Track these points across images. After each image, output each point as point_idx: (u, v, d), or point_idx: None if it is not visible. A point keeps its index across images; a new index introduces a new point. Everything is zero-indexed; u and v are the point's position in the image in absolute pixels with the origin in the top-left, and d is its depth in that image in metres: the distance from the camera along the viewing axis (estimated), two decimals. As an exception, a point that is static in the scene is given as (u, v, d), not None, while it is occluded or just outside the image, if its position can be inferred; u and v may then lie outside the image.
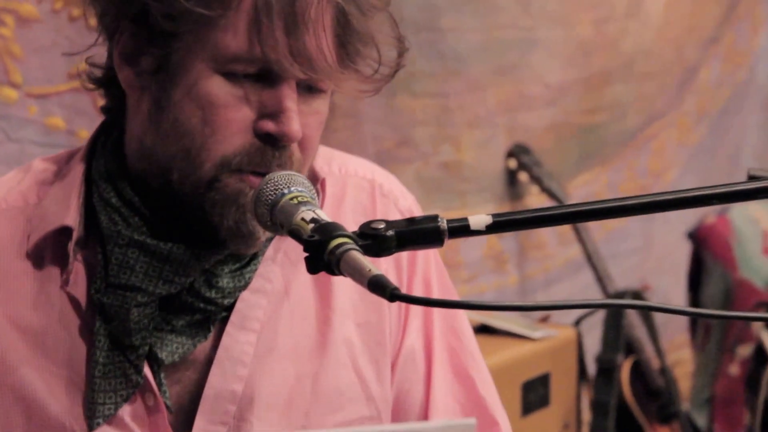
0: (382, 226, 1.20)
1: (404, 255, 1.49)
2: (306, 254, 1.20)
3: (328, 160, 1.51)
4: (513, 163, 3.44)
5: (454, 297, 1.57)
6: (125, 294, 1.36)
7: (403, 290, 1.48)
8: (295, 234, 1.22)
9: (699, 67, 4.17)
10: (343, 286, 1.46)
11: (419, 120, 3.17)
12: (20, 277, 1.40)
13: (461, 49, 3.21)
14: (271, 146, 1.33)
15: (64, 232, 1.39)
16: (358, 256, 1.16)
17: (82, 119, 2.38)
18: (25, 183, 1.45)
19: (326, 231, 1.19)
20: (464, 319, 1.56)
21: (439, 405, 1.50)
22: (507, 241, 3.49)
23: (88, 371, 1.37)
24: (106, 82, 1.42)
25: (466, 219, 1.22)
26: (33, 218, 1.41)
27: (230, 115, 1.32)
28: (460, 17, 3.20)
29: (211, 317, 1.39)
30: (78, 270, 1.39)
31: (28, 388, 1.38)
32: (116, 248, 1.37)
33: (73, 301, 1.39)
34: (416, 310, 1.51)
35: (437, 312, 1.52)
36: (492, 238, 3.40)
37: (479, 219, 1.22)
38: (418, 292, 1.51)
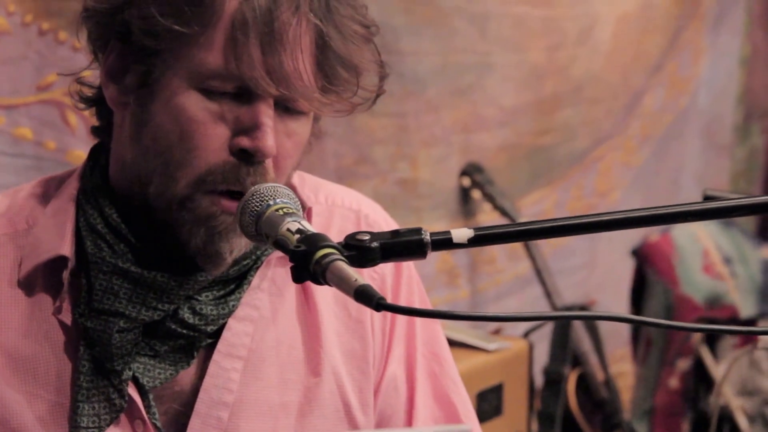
0: (366, 237, 1.17)
1: (388, 285, 1.47)
2: (292, 264, 1.16)
3: (315, 189, 1.48)
4: (467, 182, 3.43)
5: (437, 325, 1.54)
6: (108, 319, 1.32)
7: (387, 322, 1.47)
8: (281, 244, 1.19)
9: (644, 93, 4.20)
10: (328, 314, 1.43)
11: (378, 138, 3.16)
12: (11, 305, 1.36)
13: (420, 71, 3.21)
14: (245, 163, 1.30)
15: (58, 261, 1.35)
16: (344, 266, 1.12)
17: (49, 130, 2.35)
18: (14, 209, 1.40)
19: (312, 241, 1.15)
20: (445, 344, 1.54)
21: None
22: (459, 256, 3.48)
23: (73, 395, 1.33)
24: (97, 102, 1.39)
25: (448, 232, 1.20)
26: (25, 246, 1.37)
27: (207, 131, 1.29)
28: (419, 41, 3.20)
29: (195, 343, 1.36)
30: (65, 295, 1.35)
31: (15, 415, 1.34)
32: (100, 274, 1.33)
33: (63, 326, 1.35)
34: (399, 337, 1.48)
35: (419, 338, 1.50)
36: (445, 253, 3.39)
37: (462, 232, 1.20)
38: (401, 321, 1.49)
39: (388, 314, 1.47)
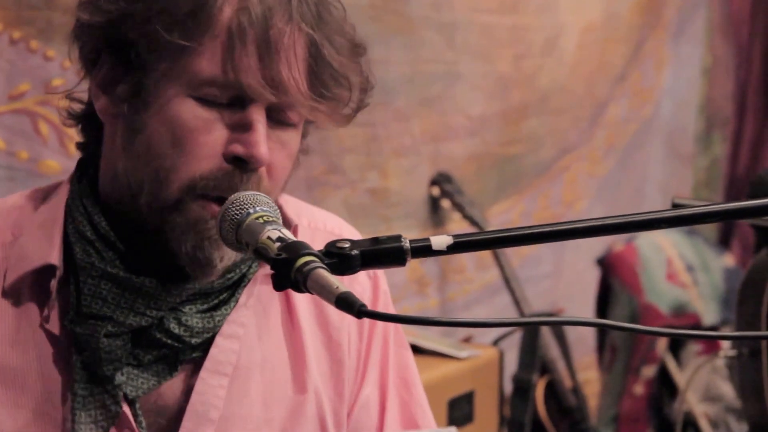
0: (347, 245, 1.16)
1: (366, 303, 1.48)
2: (272, 272, 1.15)
3: (297, 212, 1.49)
4: (436, 191, 3.44)
5: (408, 352, 1.56)
6: (96, 323, 1.31)
7: (363, 345, 1.48)
8: (261, 253, 1.18)
9: (608, 103, 4.22)
10: (310, 334, 1.43)
11: (348, 148, 3.15)
12: None
13: (389, 81, 3.20)
14: (239, 170, 1.30)
15: (46, 269, 1.34)
16: (325, 274, 1.12)
17: (21, 140, 2.33)
18: None
19: (293, 249, 1.15)
20: (414, 369, 1.55)
21: None
22: (428, 265, 3.48)
23: (67, 404, 1.32)
24: (85, 117, 1.39)
25: (428, 239, 1.19)
26: (10, 257, 1.36)
27: (200, 139, 1.29)
28: (388, 50, 3.20)
29: (179, 355, 1.35)
30: (53, 304, 1.34)
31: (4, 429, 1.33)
32: (89, 279, 1.32)
33: (52, 336, 1.34)
34: (374, 361, 1.50)
35: (392, 365, 1.52)
36: (415, 262, 3.38)
37: (441, 239, 1.20)
38: (377, 346, 1.50)
39: (365, 338, 1.48)
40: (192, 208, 1.30)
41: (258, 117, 1.30)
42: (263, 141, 1.29)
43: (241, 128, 1.30)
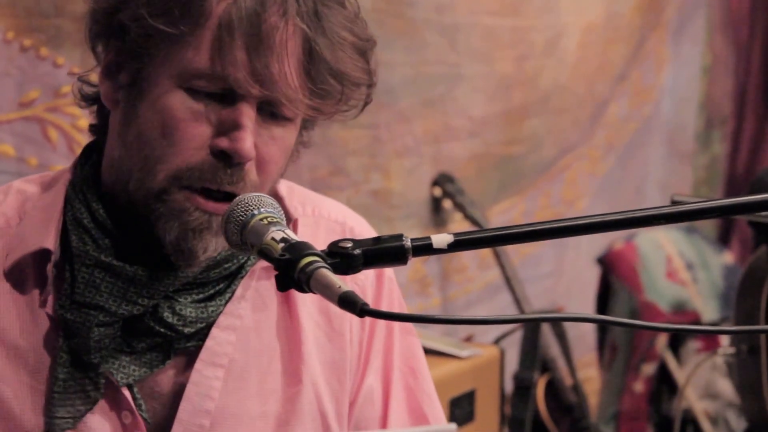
0: (349, 245, 1.18)
1: (369, 296, 1.48)
2: (276, 272, 1.17)
3: (303, 201, 1.49)
4: (438, 192, 3.45)
5: (415, 339, 1.55)
6: (89, 312, 1.33)
7: (366, 334, 1.48)
8: (266, 253, 1.19)
9: (608, 103, 4.23)
10: (311, 325, 1.44)
11: (351, 150, 3.16)
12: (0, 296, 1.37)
13: (391, 83, 3.22)
14: (224, 164, 1.31)
15: (44, 253, 1.36)
16: (328, 273, 1.13)
17: (31, 147, 2.34)
18: (6, 204, 1.41)
19: (296, 250, 1.16)
20: (422, 357, 1.55)
21: None
22: (430, 265, 3.49)
23: (49, 386, 1.34)
24: (97, 100, 1.41)
25: (429, 238, 1.20)
26: (13, 239, 1.38)
27: (189, 130, 1.31)
28: (390, 52, 3.21)
29: (172, 344, 1.37)
30: (50, 288, 1.36)
31: (4, 403, 1.35)
32: (83, 268, 1.34)
33: (49, 319, 1.36)
34: (377, 350, 1.49)
35: (397, 352, 1.51)
36: (417, 262, 3.41)
37: (441, 238, 1.21)
38: (380, 335, 1.50)
39: (367, 326, 1.48)
40: (176, 198, 1.31)
41: (246, 111, 1.30)
42: (248, 137, 1.30)
43: (228, 123, 1.30)
